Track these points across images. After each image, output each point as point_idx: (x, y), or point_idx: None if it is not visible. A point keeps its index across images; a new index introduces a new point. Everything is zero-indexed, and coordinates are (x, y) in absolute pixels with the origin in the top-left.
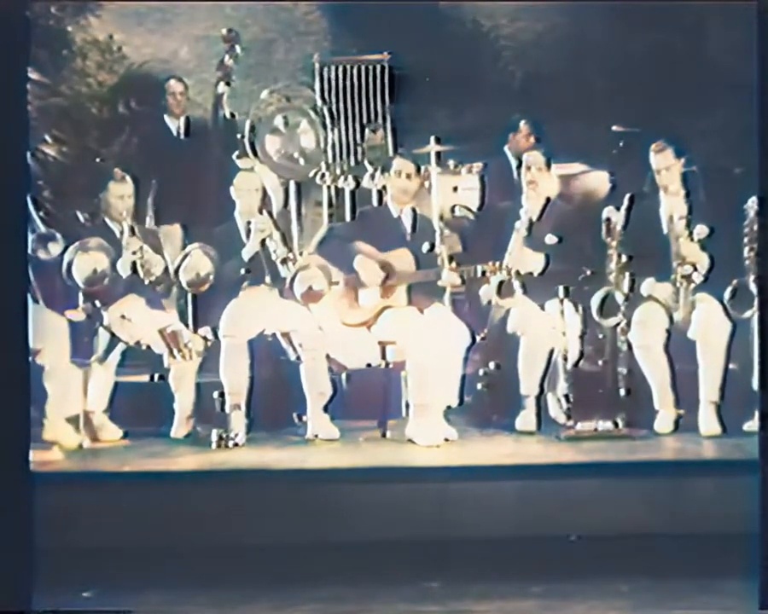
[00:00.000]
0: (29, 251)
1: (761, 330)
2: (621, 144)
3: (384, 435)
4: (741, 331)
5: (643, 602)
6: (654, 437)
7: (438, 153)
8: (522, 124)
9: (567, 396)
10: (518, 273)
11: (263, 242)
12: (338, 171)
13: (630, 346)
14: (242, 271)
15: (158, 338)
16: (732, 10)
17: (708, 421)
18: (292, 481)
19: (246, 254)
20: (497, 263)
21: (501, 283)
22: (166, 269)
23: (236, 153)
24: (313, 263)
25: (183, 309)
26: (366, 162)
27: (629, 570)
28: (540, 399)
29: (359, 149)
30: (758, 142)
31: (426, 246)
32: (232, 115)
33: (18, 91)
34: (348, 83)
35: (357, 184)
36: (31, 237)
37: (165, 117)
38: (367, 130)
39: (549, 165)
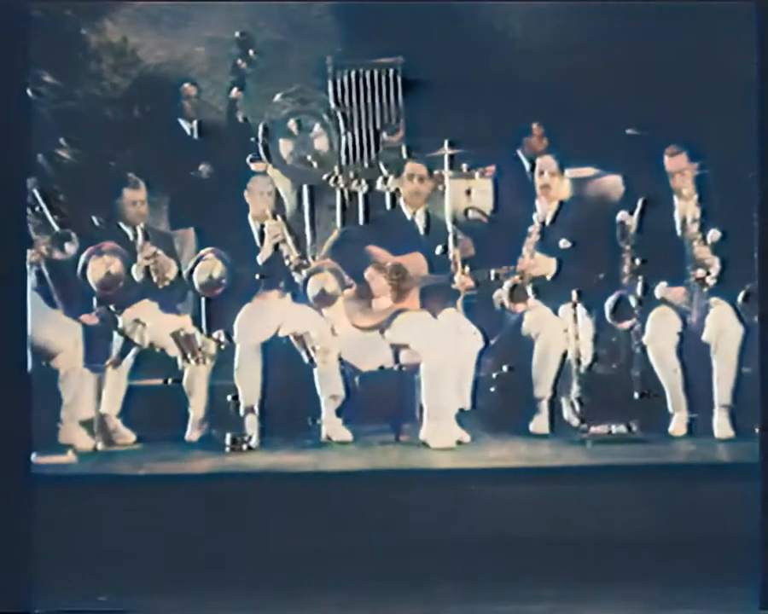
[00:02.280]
0: (45, 252)
1: (762, 335)
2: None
3: (398, 438)
4: (755, 335)
5: (650, 604)
6: (667, 440)
7: (451, 157)
8: (535, 126)
9: (580, 400)
10: (531, 277)
11: (276, 246)
12: (351, 175)
13: (643, 349)
14: (257, 276)
15: (172, 342)
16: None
17: (721, 424)
18: (306, 484)
19: (260, 259)
20: (510, 267)
21: (514, 287)
22: (180, 273)
23: (250, 156)
24: (326, 267)
25: (197, 313)
26: (381, 164)
27: (638, 573)
28: (554, 402)
29: (373, 152)
30: (757, 143)
31: (439, 249)
32: (245, 119)
33: (21, 92)
34: (361, 86)
35: (371, 187)
36: (47, 238)
37: (180, 120)
38: (384, 133)
39: (562, 170)
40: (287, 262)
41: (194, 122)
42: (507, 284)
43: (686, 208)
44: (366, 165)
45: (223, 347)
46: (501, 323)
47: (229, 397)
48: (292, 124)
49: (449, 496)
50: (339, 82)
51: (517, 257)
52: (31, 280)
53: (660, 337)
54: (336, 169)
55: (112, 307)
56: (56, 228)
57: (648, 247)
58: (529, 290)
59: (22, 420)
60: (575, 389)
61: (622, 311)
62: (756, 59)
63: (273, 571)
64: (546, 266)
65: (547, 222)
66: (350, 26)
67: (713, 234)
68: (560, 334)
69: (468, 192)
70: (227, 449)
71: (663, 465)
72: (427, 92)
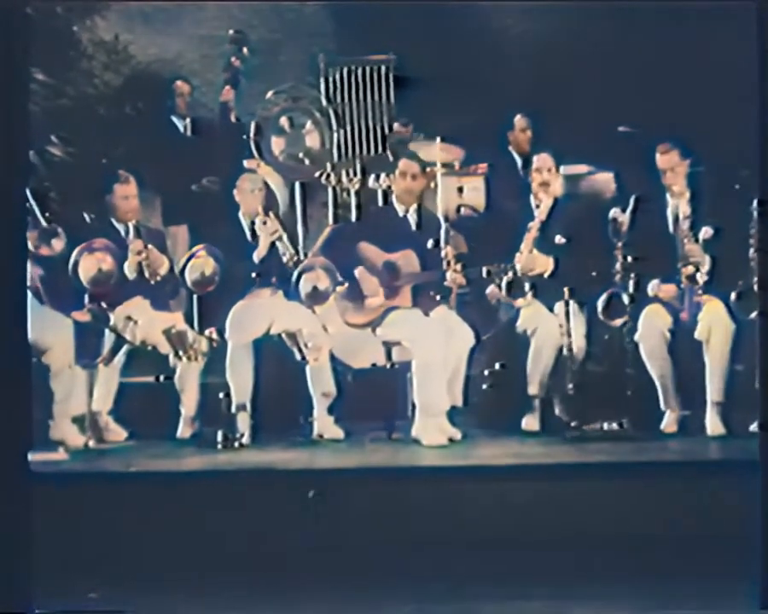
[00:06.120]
0: (32, 248)
1: (762, 332)
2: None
3: (390, 435)
4: (748, 332)
5: (647, 603)
6: (659, 437)
7: None
8: (517, 118)
9: (572, 397)
10: (528, 271)
11: (272, 244)
12: (343, 172)
13: (635, 347)
14: (253, 274)
15: (163, 339)
16: (735, 10)
17: (713, 422)
18: (297, 481)
19: (257, 257)
20: (502, 265)
21: (510, 284)
22: (172, 269)
23: (245, 154)
24: (318, 264)
25: (189, 310)
26: (389, 152)
27: (633, 572)
28: (546, 400)
29: (376, 147)
30: (758, 142)
31: (430, 243)
32: (237, 118)
33: (19, 89)
34: (354, 83)
35: (363, 184)
36: (33, 234)
37: (174, 117)
38: (396, 124)
39: (557, 167)
40: (284, 259)
41: (188, 119)
42: (505, 279)
43: (678, 205)
44: (358, 162)
45: (215, 344)
46: (493, 320)
47: (220, 395)
48: (284, 121)
49: (440, 494)
50: (331, 79)
51: (510, 254)
52: None
53: (652, 334)
54: (328, 166)
55: (103, 304)
56: (43, 223)
57: (640, 245)
58: (527, 286)
59: (21, 418)
60: (567, 386)
61: (614, 308)
62: (756, 59)
63: (264, 568)
64: (544, 264)
65: (543, 219)
66: (342, 24)
67: (706, 232)
68: (555, 331)
69: (461, 189)
70: (219, 447)
71: (655, 462)
72: (419, 89)
